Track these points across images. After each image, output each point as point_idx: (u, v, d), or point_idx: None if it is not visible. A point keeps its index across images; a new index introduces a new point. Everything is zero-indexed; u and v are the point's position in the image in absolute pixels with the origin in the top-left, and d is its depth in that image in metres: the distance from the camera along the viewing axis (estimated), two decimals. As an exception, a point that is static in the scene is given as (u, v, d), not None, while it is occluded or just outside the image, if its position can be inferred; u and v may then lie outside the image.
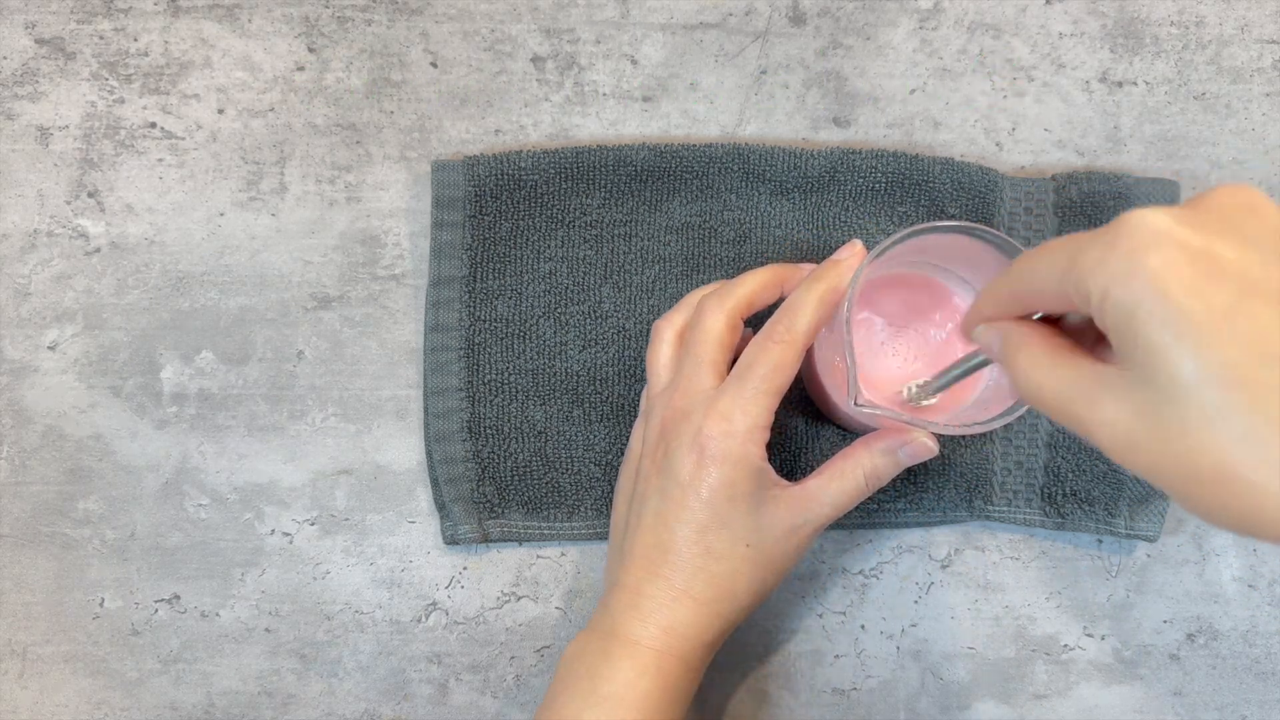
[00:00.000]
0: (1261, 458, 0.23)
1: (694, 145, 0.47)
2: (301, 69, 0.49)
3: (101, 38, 0.49)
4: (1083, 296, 0.26)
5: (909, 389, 0.40)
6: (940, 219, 0.47)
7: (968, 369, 0.37)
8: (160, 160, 0.49)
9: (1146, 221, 0.25)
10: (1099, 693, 0.47)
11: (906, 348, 0.44)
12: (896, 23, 0.49)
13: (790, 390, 0.47)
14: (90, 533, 0.47)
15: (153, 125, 0.49)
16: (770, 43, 0.49)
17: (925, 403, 0.40)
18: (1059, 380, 0.28)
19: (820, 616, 0.47)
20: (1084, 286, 0.26)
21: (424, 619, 0.47)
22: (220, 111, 0.49)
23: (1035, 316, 0.31)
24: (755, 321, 0.42)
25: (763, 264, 0.47)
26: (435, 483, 0.47)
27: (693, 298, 0.44)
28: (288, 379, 0.48)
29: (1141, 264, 0.24)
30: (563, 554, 0.47)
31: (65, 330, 0.48)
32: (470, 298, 0.47)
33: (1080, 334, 0.31)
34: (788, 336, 0.39)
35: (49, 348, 0.48)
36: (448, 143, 0.49)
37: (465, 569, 0.47)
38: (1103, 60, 0.49)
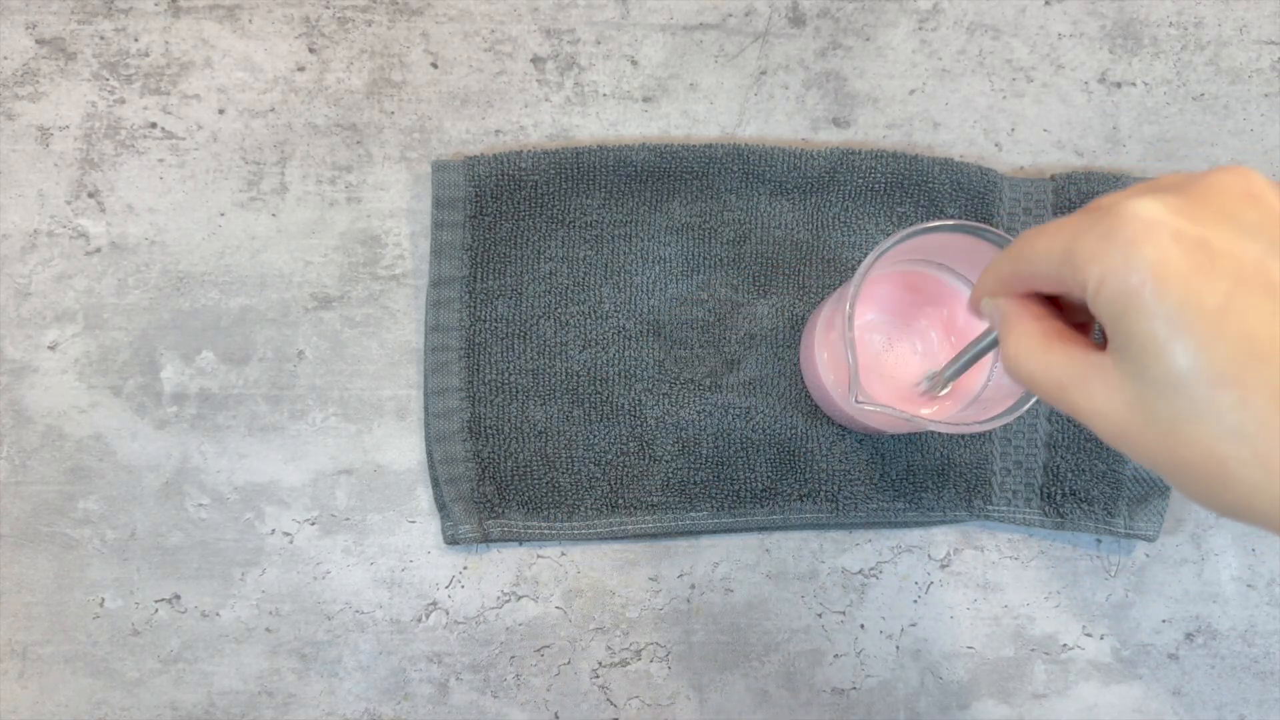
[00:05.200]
0: (1250, 454, 0.23)
1: (694, 145, 0.47)
2: (302, 69, 0.49)
3: (102, 38, 0.49)
4: (1079, 284, 0.26)
5: (925, 381, 0.41)
6: (940, 219, 0.47)
7: (979, 351, 0.37)
8: (161, 160, 0.49)
9: (1141, 211, 0.25)
10: (1098, 692, 0.47)
11: (907, 346, 0.44)
12: (896, 23, 0.50)
13: (790, 389, 0.47)
14: (90, 533, 0.47)
15: (153, 125, 0.49)
16: (770, 43, 0.49)
17: (941, 393, 0.40)
18: (1050, 366, 0.28)
19: (820, 616, 0.47)
20: (1080, 275, 0.26)
21: (424, 619, 0.47)
22: (221, 112, 0.49)
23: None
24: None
25: (763, 264, 0.47)
26: (435, 482, 0.47)
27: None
28: (288, 379, 0.48)
29: (1137, 256, 0.24)
30: (563, 554, 0.48)
31: (65, 330, 0.48)
32: (470, 298, 0.47)
33: (1078, 309, 0.30)
34: None
35: (49, 348, 0.48)
36: (448, 143, 0.49)
37: (465, 569, 0.47)
38: (1102, 61, 0.50)
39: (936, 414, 0.43)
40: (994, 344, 0.36)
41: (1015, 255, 0.29)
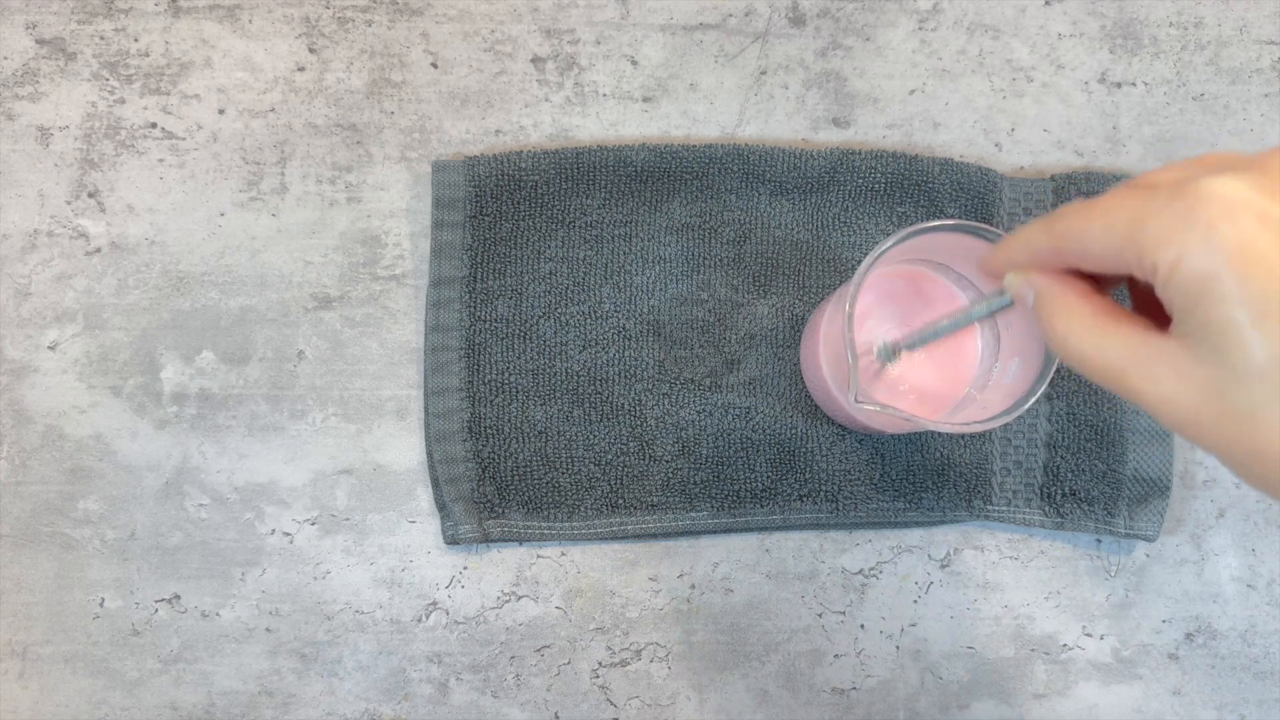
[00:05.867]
0: None
1: (694, 145, 0.47)
2: (302, 69, 0.49)
3: (102, 38, 0.49)
4: (1147, 267, 0.25)
5: (877, 347, 0.40)
6: (940, 219, 0.47)
7: (945, 329, 0.35)
8: (161, 160, 0.49)
9: (1222, 190, 0.23)
10: (1098, 692, 0.47)
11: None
12: (896, 23, 0.50)
13: (790, 389, 0.47)
14: (90, 533, 0.47)
15: (153, 125, 0.49)
16: (770, 43, 0.49)
17: (892, 362, 0.40)
18: (1106, 348, 0.27)
19: (820, 616, 0.47)
20: (1150, 257, 0.24)
21: (424, 619, 0.47)
22: (221, 112, 0.49)
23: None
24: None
25: (763, 264, 0.47)
26: (435, 482, 0.47)
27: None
28: (288, 379, 0.48)
29: (1219, 237, 0.23)
30: (563, 554, 0.48)
31: (65, 330, 0.48)
32: (470, 298, 0.47)
33: (1109, 282, 0.29)
34: None
35: (49, 348, 0.48)
36: (448, 143, 0.49)
37: (465, 569, 0.47)
38: (1102, 61, 0.50)
39: (926, 412, 0.43)
40: (966, 322, 0.35)
41: (1061, 233, 0.28)
